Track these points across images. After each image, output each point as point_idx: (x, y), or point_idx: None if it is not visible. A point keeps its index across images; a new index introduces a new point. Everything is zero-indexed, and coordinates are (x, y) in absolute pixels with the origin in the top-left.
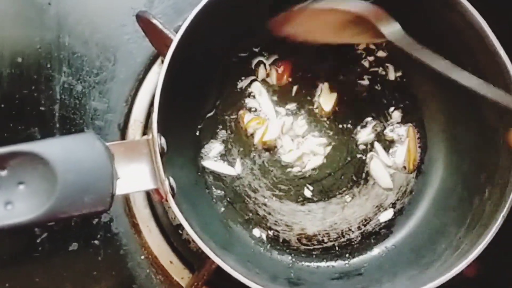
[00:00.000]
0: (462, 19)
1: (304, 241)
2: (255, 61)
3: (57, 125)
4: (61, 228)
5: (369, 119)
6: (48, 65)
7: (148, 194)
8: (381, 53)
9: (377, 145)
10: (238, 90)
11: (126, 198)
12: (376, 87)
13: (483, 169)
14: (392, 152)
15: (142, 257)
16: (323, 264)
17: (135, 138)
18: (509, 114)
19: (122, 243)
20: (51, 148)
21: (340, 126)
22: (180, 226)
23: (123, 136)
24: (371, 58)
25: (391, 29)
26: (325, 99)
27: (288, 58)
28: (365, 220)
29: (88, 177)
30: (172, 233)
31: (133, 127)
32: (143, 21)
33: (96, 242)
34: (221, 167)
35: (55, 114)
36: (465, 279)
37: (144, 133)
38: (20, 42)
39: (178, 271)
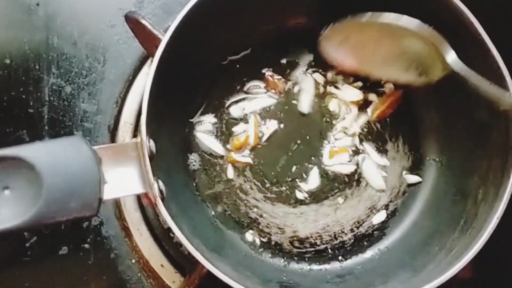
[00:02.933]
0: (456, 20)
1: (296, 244)
2: (245, 63)
3: (46, 127)
4: (50, 232)
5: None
6: (37, 67)
7: (138, 197)
8: None
9: (367, 146)
10: (228, 91)
11: (117, 201)
12: (368, 86)
13: (476, 170)
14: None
15: (133, 260)
16: (315, 267)
17: (125, 140)
18: (502, 115)
19: (112, 246)
20: (36, 152)
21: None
22: (171, 229)
23: (113, 138)
24: None
25: (452, 58)
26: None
27: (279, 59)
28: (358, 222)
29: (75, 181)
30: (163, 236)
31: (123, 129)
32: (132, 21)
33: (86, 245)
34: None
35: (44, 116)
36: (461, 281)
37: (135, 135)
38: (7, 43)
39: (169, 275)
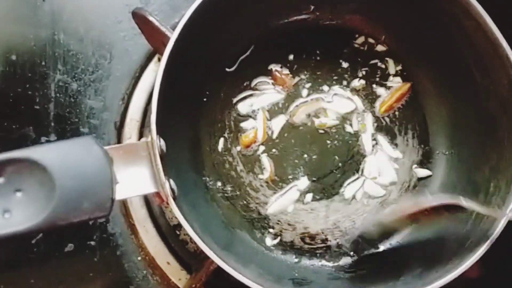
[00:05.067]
0: (464, 12)
1: (307, 240)
2: (252, 59)
3: (52, 124)
4: None
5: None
6: (43, 63)
7: (145, 194)
8: (380, 47)
9: (380, 138)
10: (235, 87)
11: (125, 199)
12: (376, 80)
13: (487, 162)
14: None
15: (139, 258)
16: (327, 263)
17: (132, 137)
18: (509, 105)
19: (118, 243)
20: (48, 154)
21: (340, 122)
22: (177, 226)
23: (119, 135)
24: (370, 52)
25: None
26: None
27: (286, 55)
28: (369, 217)
29: (87, 182)
30: (169, 234)
31: (130, 126)
32: (139, 18)
33: (92, 243)
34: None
35: (50, 113)
36: (468, 280)
37: (141, 131)
38: (13, 39)
39: (175, 272)
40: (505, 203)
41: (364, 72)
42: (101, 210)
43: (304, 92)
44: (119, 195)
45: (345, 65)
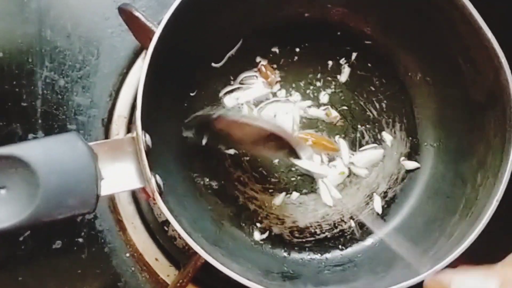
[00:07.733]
0: (450, 3)
1: (296, 234)
2: (239, 53)
3: (39, 121)
4: None
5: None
6: (30, 60)
7: (133, 191)
8: (366, 40)
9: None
10: (222, 81)
11: (111, 195)
12: (362, 74)
13: (474, 153)
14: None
15: (127, 254)
16: (316, 256)
17: (119, 133)
18: (496, 96)
19: (106, 240)
20: (31, 150)
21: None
22: (165, 222)
23: (107, 131)
24: (356, 45)
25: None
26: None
27: (273, 50)
28: (357, 210)
29: (71, 179)
30: (157, 230)
31: (117, 123)
32: (126, 14)
33: (80, 239)
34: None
35: (37, 110)
36: None
37: (129, 128)
38: (0, 36)
39: (164, 269)
40: (491, 195)
41: (349, 65)
42: (86, 206)
43: (291, 85)
44: (104, 191)
45: (331, 58)
